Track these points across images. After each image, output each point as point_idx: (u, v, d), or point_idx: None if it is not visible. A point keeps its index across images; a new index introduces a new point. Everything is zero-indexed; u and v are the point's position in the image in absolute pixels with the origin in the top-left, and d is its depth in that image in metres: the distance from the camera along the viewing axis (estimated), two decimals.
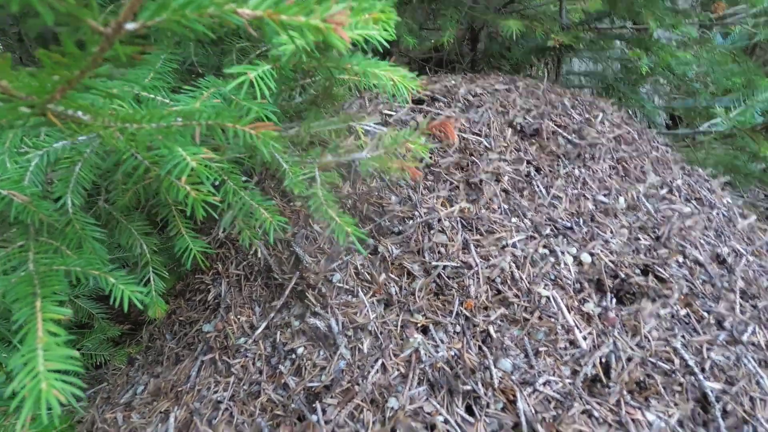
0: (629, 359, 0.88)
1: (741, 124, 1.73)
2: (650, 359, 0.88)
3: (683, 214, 1.18)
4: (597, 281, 1.01)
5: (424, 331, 0.95)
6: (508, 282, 0.99)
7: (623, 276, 1.01)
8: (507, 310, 0.95)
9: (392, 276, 1.03)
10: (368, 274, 1.04)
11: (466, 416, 0.82)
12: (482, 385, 0.85)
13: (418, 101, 1.40)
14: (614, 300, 0.98)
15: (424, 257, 1.04)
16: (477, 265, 1.01)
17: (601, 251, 1.05)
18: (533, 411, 0.81)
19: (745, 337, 0.93)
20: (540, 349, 0.90)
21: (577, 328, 0.92)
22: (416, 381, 0.87)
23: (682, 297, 0.99)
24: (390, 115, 1.33)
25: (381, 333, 0.94)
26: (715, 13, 2.25)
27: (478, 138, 1.27)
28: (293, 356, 0.95)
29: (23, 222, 0.73)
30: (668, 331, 0.93)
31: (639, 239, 1.10)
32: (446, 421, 0.81)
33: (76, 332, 1.22)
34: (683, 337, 0.92)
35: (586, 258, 1.04)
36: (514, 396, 0.83)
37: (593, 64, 2.62)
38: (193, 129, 0.54)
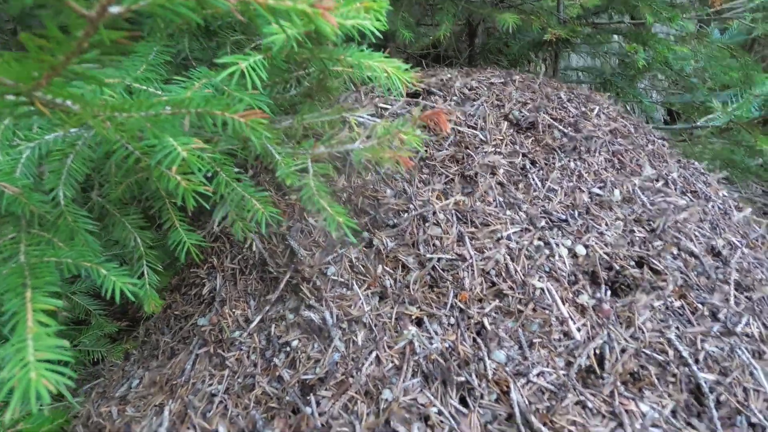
0: (623, 350, 0.88)
1: (738, 119, 1.73)
2: (644, 350, 0.88)
3: (678, 207, 1.17)
4: (592, 273, 1.01)
5: (419, 323, 0.95)
6: (503, 274, 0.99)
7: (618, 268, 1.01)
8: (501, 302, 0.95)
9: (387, 269, 1.02)
10: (363, 266, 1.04)
11: (460, 407, 0.82)
12: (476, 376, 0.85)
13: (414, 94, 1.40)
14: (609, 292, 0.98)
15: (418, 250, 1.04)
16: (472, 257, 1.01)
17: (596, 243, 1.05)
18: (527, 402, 0.81)
19: (739, 329, 0.93)
20: (534, 340, 0.90)
21: (572, 319, 0.92)
22: (410, 373, 0.87)
23: (677, 289, 0.99)
24: (385, 109, 1.32)
25: (375, 325, 0.94)
26: (713, 8, 2.25)
27: (474, 131, 1.27)
28: (288, 349, 0.95)
29: (14, 214, 0.73)
30: (662, 322, 0.93)
31: (634, 231, 1.10)
32: (440, 413, 0.81)
33: (73, 328, 1.22)
34: (677, 328, 0.93)
35: (580, 250, 1.04)
36: (508, 387, 0.83)
37: (591, 60, 2.62)
38: (182, 117, 0.54)
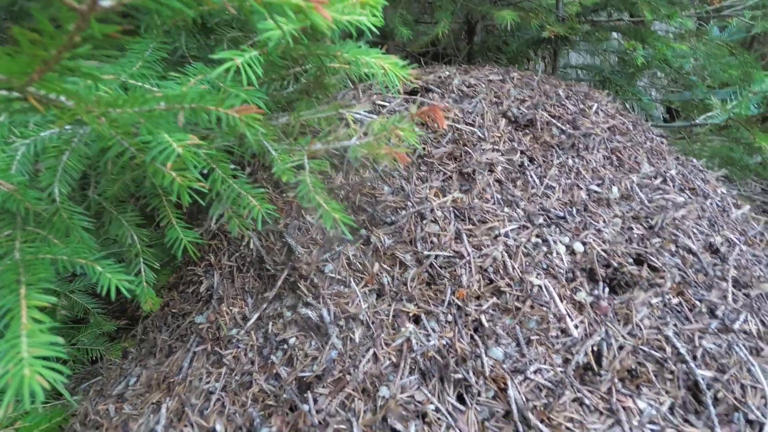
0: (621, 347, 0.88)
1: (737, 116, 1.73)
2: (642, 347, 0.88)
3: (677, 204, 1.17)
4: (589, 270, 1.01)
5: (416, 320, 0.95)
6: (501, 271, 0.99)
7: (616, 265, 1.01)
8: (499, 299, 0.95)
9: (384, 266, 1.02)
10: (360, 264, 1.03)
11: (457, 404, 0.82)
12: (473, 373, 0.85)
13: (412, 92, 1.40)
14: (606, 289, 0.98)
15: (416, 247, 1.04)
16: (469, 254, 1.00)
17: (594, 240, 1.05)
18: (524, 399, 0.81)
19: (736, 326, 0.93)
20: (532, 337, 0.89)
21: (569, 316, 0.92)
22: (408, 370, 0.87)
23: (675, 286, 0.99)
24: (383, 106, 1.32)
25: (373, 323, 0.94)
26: (712, 5, 2.25)
27: (472, 128, 1.27)
28: (285, 346, 0.95)
29: (10, 211, 0.73)
30: (660, 319, 0.93)
31: (632, 228, 1.10)
32: (437, 410, 0.81)
33: (72, 327, 1.22)
34: (675, 325, 0.92)
35: (578, 247, 1.04)
36: (506, 384, 0.83)
37: (590, 57, 2.61)
38: (176, 113, 0.54)
